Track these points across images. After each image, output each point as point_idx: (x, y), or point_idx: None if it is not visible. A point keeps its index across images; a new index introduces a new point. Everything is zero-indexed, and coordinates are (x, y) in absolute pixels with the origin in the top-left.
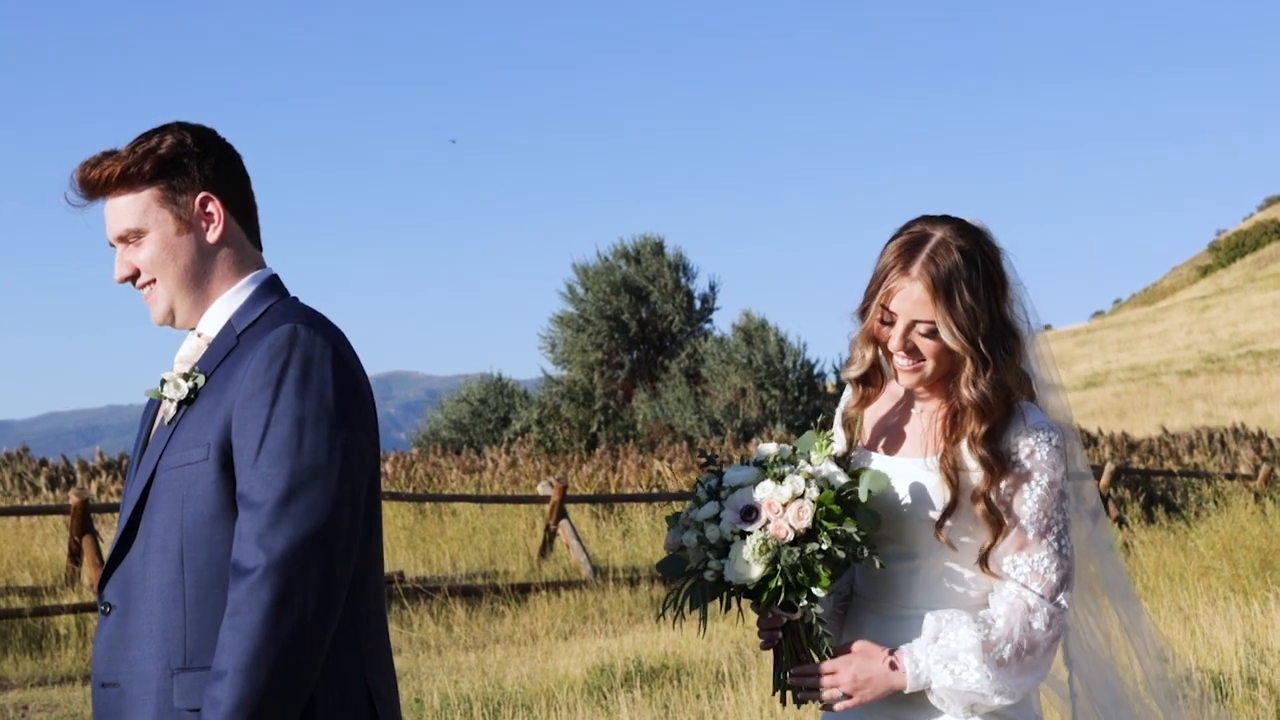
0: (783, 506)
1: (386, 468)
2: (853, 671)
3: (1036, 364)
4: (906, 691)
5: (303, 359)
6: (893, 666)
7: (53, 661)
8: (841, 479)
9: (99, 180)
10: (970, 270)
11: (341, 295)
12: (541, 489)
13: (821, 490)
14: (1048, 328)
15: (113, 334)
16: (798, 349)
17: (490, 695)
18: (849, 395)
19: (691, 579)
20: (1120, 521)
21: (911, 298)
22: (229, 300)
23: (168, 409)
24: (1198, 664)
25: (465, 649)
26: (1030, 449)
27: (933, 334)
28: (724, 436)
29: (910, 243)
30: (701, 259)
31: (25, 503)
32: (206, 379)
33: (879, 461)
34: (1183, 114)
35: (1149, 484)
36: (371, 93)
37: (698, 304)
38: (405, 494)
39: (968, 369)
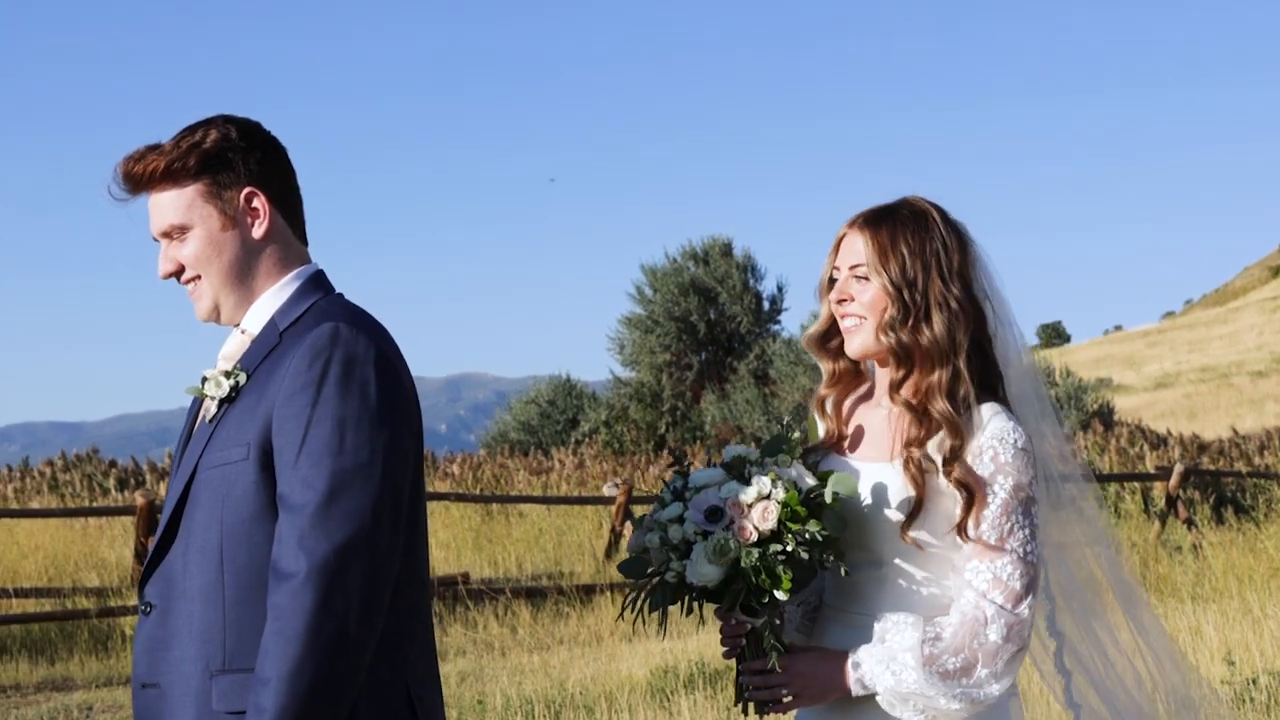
0: (747, 507)
1: (454, 469)
2: (800, 669)
3: (1023, 377)
4: (854, 694)
5: (344, 358)
6: (840, 668)
7: (118, 662)
8: (809, 481)
9: (143, 175)
10: (917, 225)
11: (413, 297)
12: (607, 490)
13: (787, 491)
14: (1118, 328)
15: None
16: None
17: (552, 697)
18: (823, 376)
19: (654, 580)
20: (1189, 523)
21: (854, 245)
22: (273, 297)
23: (209, 407)
24: (1266, 666)
25: (529, 650)
26: (994, 450)
27: (866, 277)
28: None
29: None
30: (770, 260)
31: (94, 504)
32: (248, 377)
33: (845, 463)
34: (1255, 114)
35: (1219, 485)
36: (445, 94)
37: (766, 305)
38: (472, 495)
39: (890, 312)
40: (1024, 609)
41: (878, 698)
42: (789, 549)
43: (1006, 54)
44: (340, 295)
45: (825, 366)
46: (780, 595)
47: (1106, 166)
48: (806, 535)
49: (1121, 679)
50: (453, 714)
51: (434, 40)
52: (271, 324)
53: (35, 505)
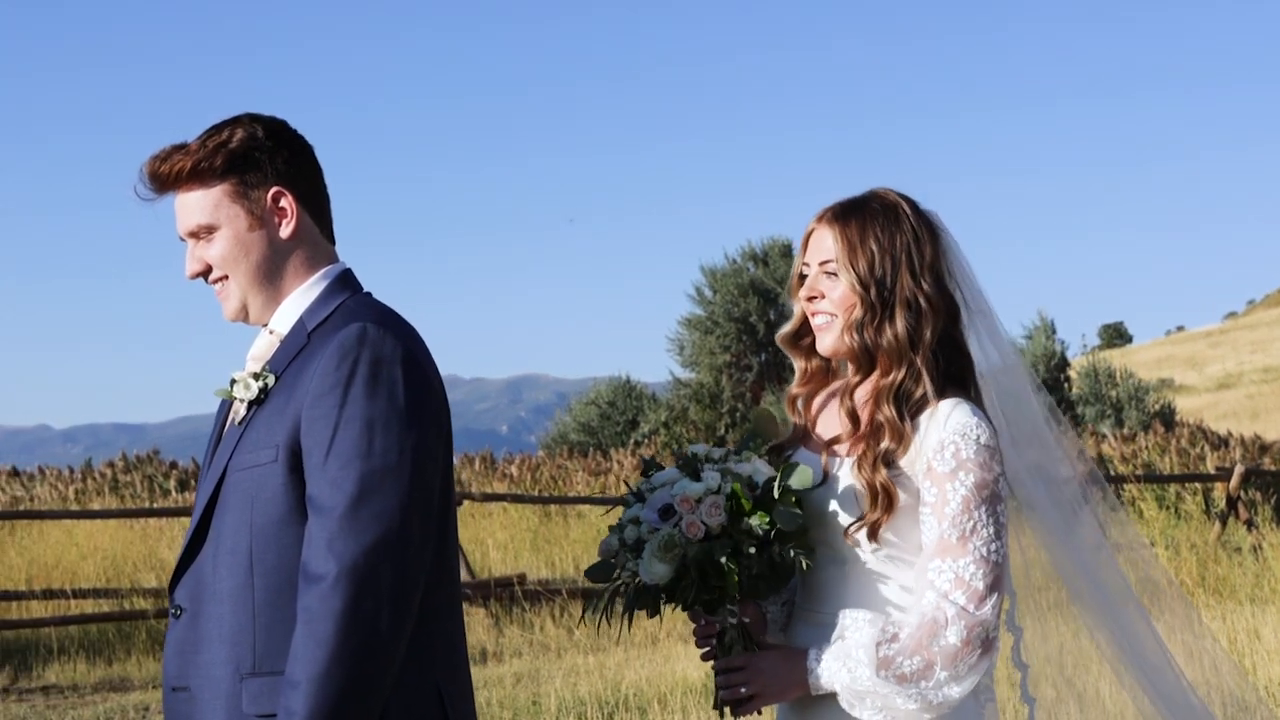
0: (695, 502)
1: (512, 470)
2: (760, 667)
3: (1011, 371)
4: (813, 692)
5: (372, 359)
6: (800, 665)
7: None
8: (766, 475)
9: (169, 174)
10: (887, 219)
11: (475, 299)
12: None
13: (734, 486)
14: (1180, 329)
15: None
16: None
17: (606, 698)
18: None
19: (617, 583)
20: (1250, 524)
21: (823, 241)
22: (301, 296)
23: (238, 409)
24: None
25: (585, 652)
26: (955, 446)
27: (836, 274)
28: None
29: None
30: None
31: (154, 505)
32: (277, 378)
33: (813, 460)
34: None
35: None
36: (504, 94)
37: None
38: (529, 496)
39: (857, 312)
40: (987, 610)
41: (838, 697)
42: (736, 544)
43: (1068, 54)
44: (368, 294)
45: (798, 364)
46: (732, 592)
47: (1170, 167)
48: (749, 528)
49: (1178, 682)
50: (507, 715)
51: (496, 38)
52: (300, 324)
53: (95, 506)
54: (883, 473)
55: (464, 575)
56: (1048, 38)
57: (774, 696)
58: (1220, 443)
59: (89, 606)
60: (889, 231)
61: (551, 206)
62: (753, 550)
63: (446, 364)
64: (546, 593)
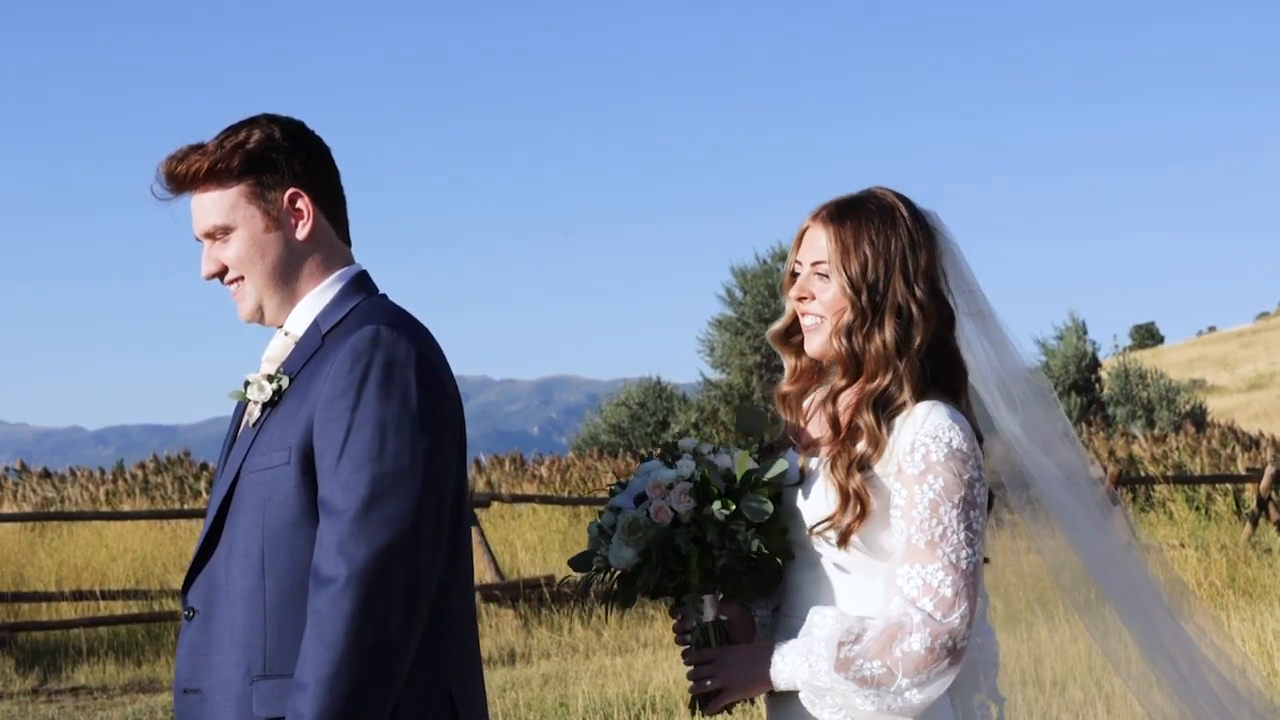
0: (666, 488)
1: (542, 471)
2: (727, 660)
3: (1011, 373)
4: (776, 687)
5: (385, 362)
6: (765, 660)
7: None
8: (725, 462)
9: (186, 175)
10: (883, 221)
11: (506, 300)
12: None
13: (704, 474)
14: (1212, 329)
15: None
16: None
17: (633, 700)
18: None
19: (593, 570)
20: None
21: (816, 240)
22: (316, 298)
23: (252, 411)
24: None
25: (613, 653)
26: (926, 449)
27: (827, 275)
28: None
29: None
30: None
31: (184, 506)
32: (291, 380)
33: (795, 458)
34: None
35: None
36: (542, 95)
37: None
38: (558, 498)
39: (847, 317)
40: (955, 618)
41: (800, 695)
42: (692, 527)
43: (1102, 53)
44: (383, 297)
45: (788, 362)
46: (694, 579)
47: (1201, 167)
48: (710, 514)
49: (1206, 684)
50: (535, 716)
51: (530, 39)
52: (314, 326)
53: (126, 508)
54: (857, 478)
55: (493, 576)
56: (1080, 36)
57: (739, 690)
58: (1251, 443)
59: (118, 608)
60: (884, 234)
61: (583, 208)
62: (717, 538)
63: (478, 365)
64: (576, 594)
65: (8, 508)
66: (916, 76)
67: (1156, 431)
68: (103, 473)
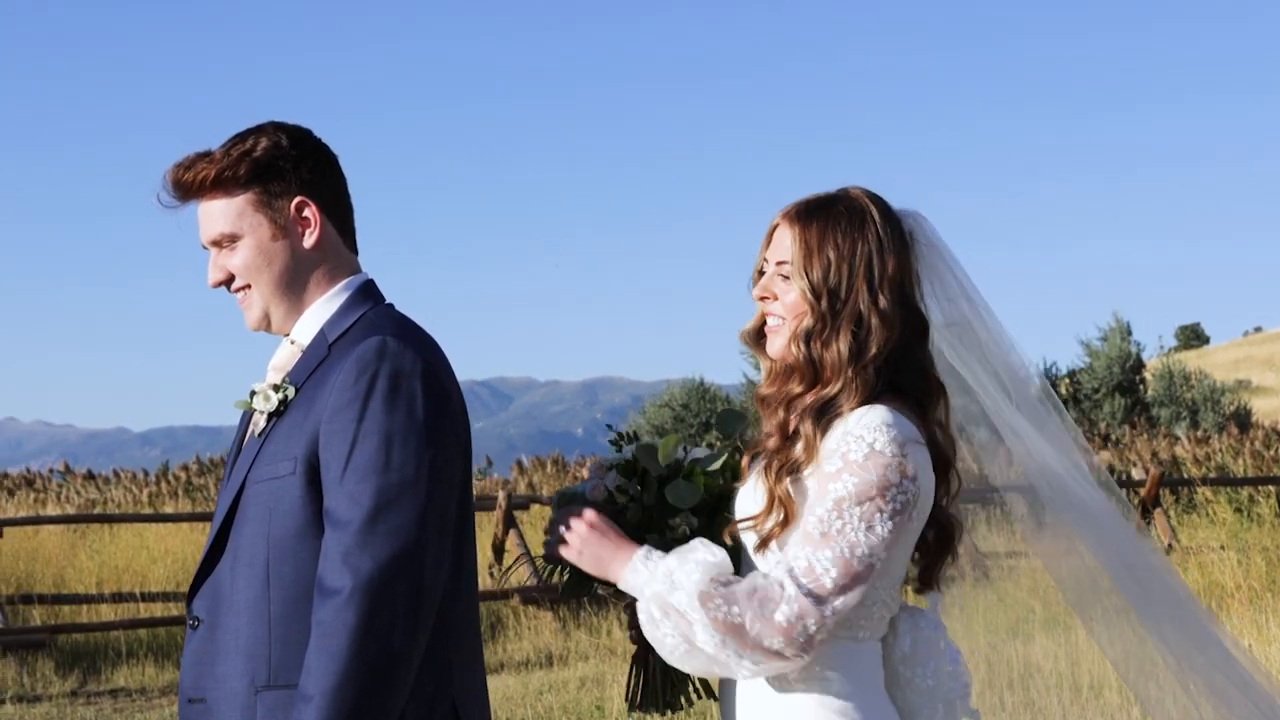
0: (607, 469)
1: (583, 473)
2: (591, 534)
3: (1004, 376)
4: (622, 584)
5: (391, 372)
6: (629, 552)
7: None
8: (698, 455)
9: (193, 183)
10: (851, 223)
11: (550, 302)
12: None
13: (634, 453)
14: (1258, 329)
15: None
16: None
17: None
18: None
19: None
20: None
21: (783, 240)
22: (322, 307)
23: (258, 421)
24: None
25: None
26: (846, 448)
27: (789, 277)
28: None
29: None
30: None
31: None
32: (297, 390)
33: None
34: None
35: None
36: (586, 96)
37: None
38: None
39: (806, 322)
40: (827, 609)
41: (639, 605)
42: (619, 505)
43: (1146, 54)
44: (390, 306)
45: (763, 363)
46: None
47: (1247, 166)
48: (622, 485)
49: (1227, 689)
50: (573, 718)
51: (567, 39)
52: (321, 335)
53: (169, 510)
54: (785, 483)
55: (532, 579)
56: (1131, 37)
57: (589, 565)
58: None
59: (158, 610)
60: (850, 238)
61: (625, 209)
62: (648, 520)
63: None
64: (615, 596)
65: (51, 509)
66: (962, 77)
67: (1200, 433)
68: (146, 474)
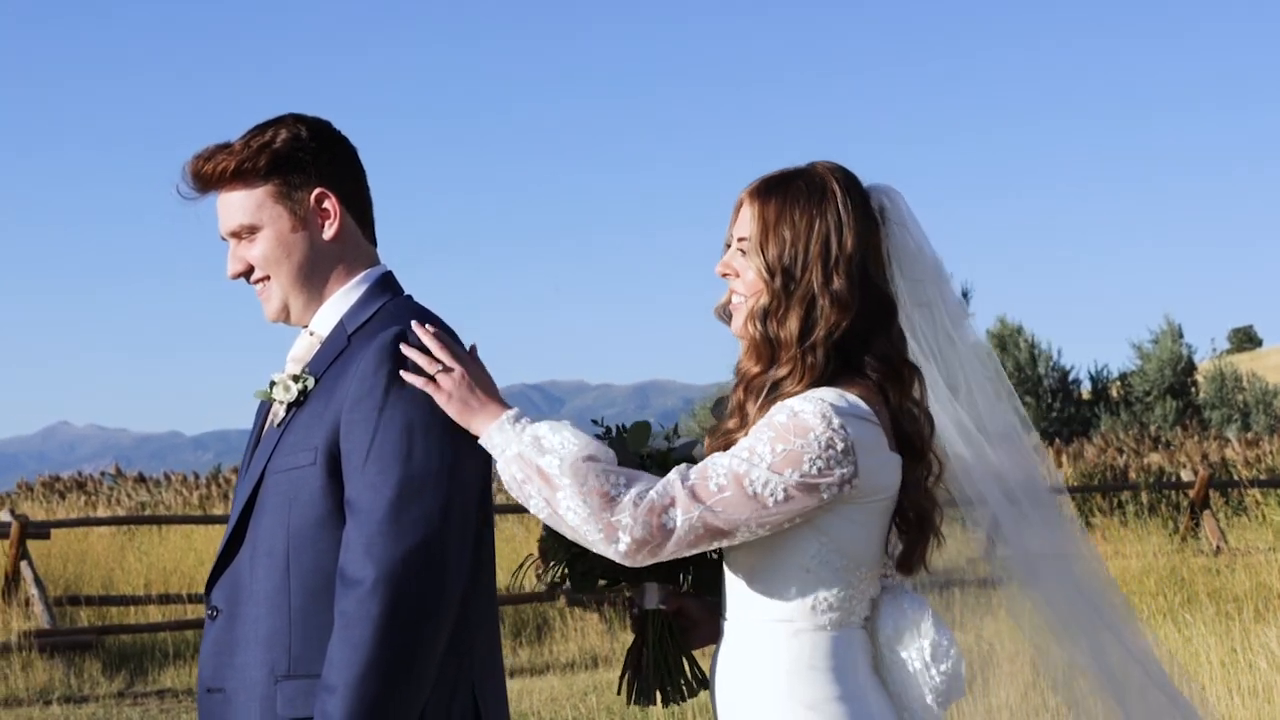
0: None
1: None
2: (466, 381)
3: (969, 367)
4: (483, 439)
5: (412, 363)
6: (498, 408)
7: None
8: (686, 443)
9: (212, 174)
10: (810, 200)
11: (602, 305)
12: None
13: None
14: None
15: None
16: (1050, 355)
17: (707, 703)
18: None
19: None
20: None
21: (744, 215)
22: (341, 299)
23: (277, 411)
24: None
25: (701, 654)
26: (771, 414)
27: (748, 254)
28: None
29: None
30: (955, 264)
31: None
32: (316, 381)
33: None
34: None
35: None
36: (625, 98)
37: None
38: None
39: (762, 300)
40: (696, 511)
41: (499, 464)
42: None
43: (1196, 57)
44: (409, 298)
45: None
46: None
47: None
48: None
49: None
50: (616, 719)
51: (610, 40)
52: (340, 326)
53: (219, 512)
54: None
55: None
56: (1193, 41)
57: (454, 411)
58: None
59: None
60: (808, 215)
61: (672, 212)
62: None
63: (574, 370)
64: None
65: (102, 512)
66: (1013, 79)
67: (1251, 435)
68: (197, 477)
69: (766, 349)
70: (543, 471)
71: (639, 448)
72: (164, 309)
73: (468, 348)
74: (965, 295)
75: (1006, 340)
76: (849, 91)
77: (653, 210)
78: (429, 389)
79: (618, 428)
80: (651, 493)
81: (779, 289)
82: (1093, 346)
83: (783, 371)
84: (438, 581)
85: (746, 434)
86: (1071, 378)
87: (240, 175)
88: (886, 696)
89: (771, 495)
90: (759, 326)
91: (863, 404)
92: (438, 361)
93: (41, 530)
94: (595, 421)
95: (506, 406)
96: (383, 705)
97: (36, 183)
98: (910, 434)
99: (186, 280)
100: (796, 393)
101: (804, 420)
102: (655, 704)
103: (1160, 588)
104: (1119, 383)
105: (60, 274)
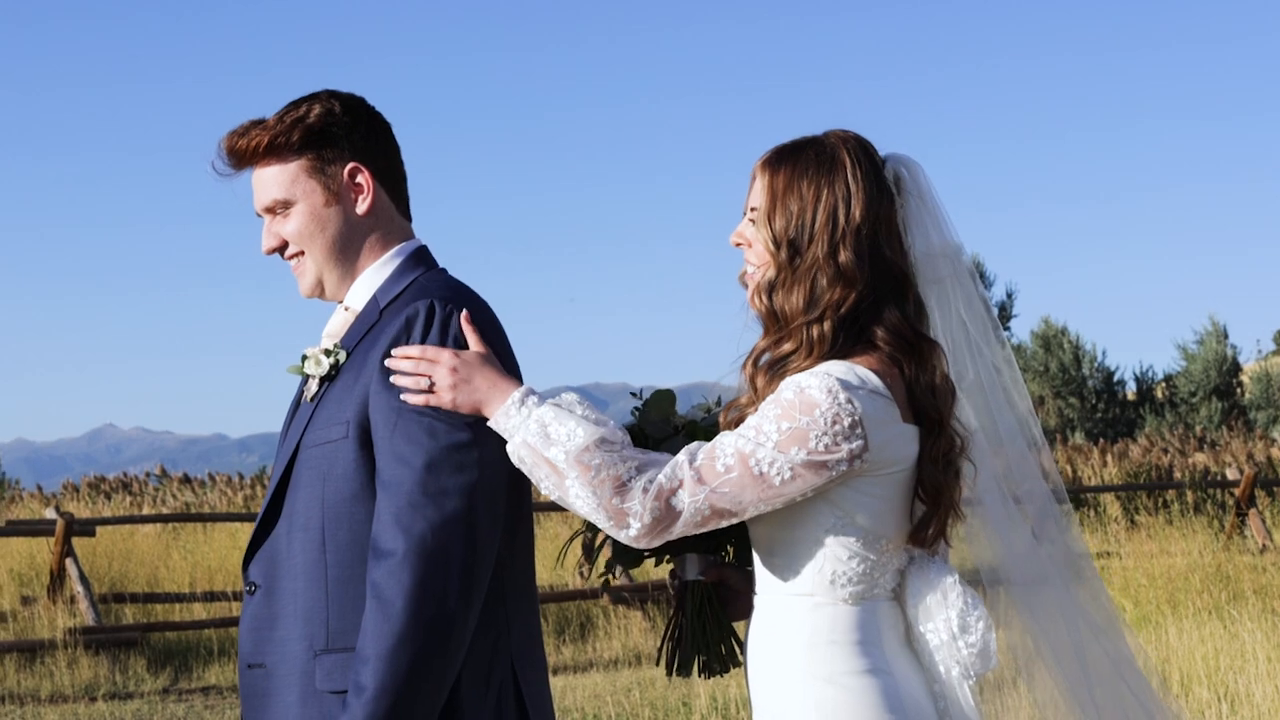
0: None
1: None
2: (467, 364)
3: (972, 353)
4: (494, 424)
5: (439, 335)
6: (505, 391)
7: None
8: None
9: (246, 150)
10: (820, 171)
11: (645, 307)
12: None
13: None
14: None
15: None
16: (1095, 355)
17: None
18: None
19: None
20: None
21: (757, 187)
22: (375, 273)
23: (311, 385)
24: None
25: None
26: (779, 392)
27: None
28: None
29: None
30: (999, 266)
31: None
32: (348, 355)
33: None
34: None
35: None
36: (678, 99)
37: (995, 311)
38: None
39: (770, 273)
40: (703, 492)
41: (510, 446)
42: None
43: (1246, 60)
44: (442, 271)
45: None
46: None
47: None
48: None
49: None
50: (658, 715)
51: (674, 41)
52: (373, 301)
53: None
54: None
55: (623, 579)
56: (1234, 42)
57: (461, 402)
58: None
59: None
60: (816, 186)
61: (721, 214)
62: None
63: (617, 373)
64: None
65: (147, 513)
66: (1069, 82)
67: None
68: (242, 478)
69: (773, 322)
70: (550, 462)
71: (665, 415)
72: (210, 313)
73: (469, 319)
74: (1010, 296)
75: (1051, 341)
76: (895, 91)
77: (701, 213)
78: (431, 402)
79: (646, 406)
80: (660, 477)
81: (785, 261)
82: (1138, 348)
83: (789, 346)
84: (469, 552)
85: (756, 409)
86: (1116, 379)
87: (274, 150)
88: (918, 669)
89: (778, 474)
90: (765, 300)
91: (874, 377)
92: (423, 373)
93: (87, 528)
94: (633, 394)
95: (512, 384)
96: (416, 675)
97: (85, 187)
98: (926, 407)
99: (233, 284)
100: (805, 367)
101: (810, 396)
102: (692, 675)
103: (1205, 585)
104: (1164, 384)
105: (108, 278)
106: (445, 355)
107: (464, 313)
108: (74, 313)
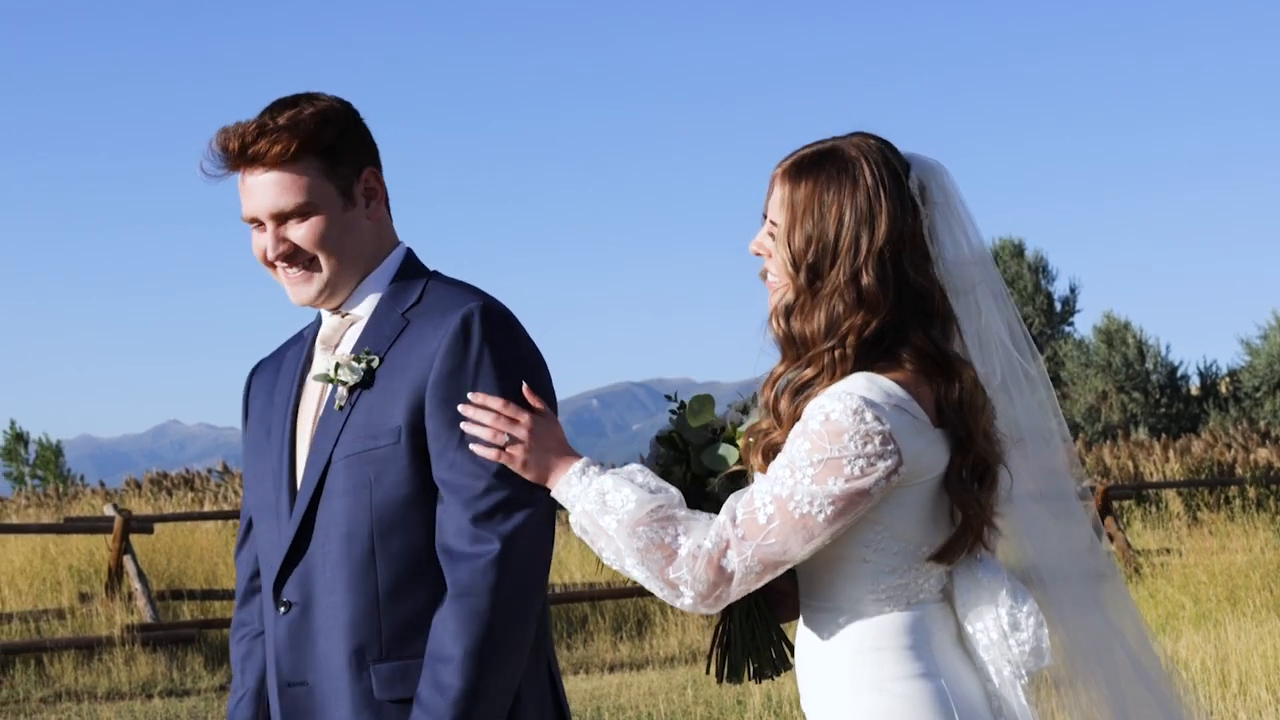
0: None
1: None
2: (542, 430)
3: (1003, 365)
4: (555, 493)
5: (495, 340)
6: (567, 462)
7: None
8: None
9: (254, 153)
10: (841, 184)
11: (707, 304)
12: None
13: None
14: None
15: None
16: (1158, 351)
17: None
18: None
19: None
20: None
21: (775, 196)
22: (377, 278)
23: (341, 393)
24: None
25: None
26: (806, 419)
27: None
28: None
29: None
30: (1062, 261)
31: None
32: (380, 360)
33: None
34: None
35: None
36: (737, 99)
37: (1058, 306)
38: None
39: (788, 296)
40: (749, 548)
41: (571, 516)
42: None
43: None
44: (437, 273)
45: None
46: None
47: None
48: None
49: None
50: (713, 712)
51: (729, 39)
52: (385, 306)
53: None
54: (760, 463)
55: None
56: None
57: (531, 466)
58: None
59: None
60: (838, 205)
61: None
62: (692, 487)
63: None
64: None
65: (209, 508)
66: (1124, 85)
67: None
68: None
69: (790, 347)
70: (605, 532)
71: (704, 421)
72: (274, 309)
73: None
74: (1073, 291)
75: (1114, 336)
76: (955, 85)
77: (746, 207)
78: (501, 460)
79: (682, 402)
80: (706, 542)
81: (804, 285)
82: (1201, 343)
83: (811, 372)
84: (540, 554)
85: (782, 434)
86: (1180, 374)
87: (283, 154)
88: (973, 670)
89: (820, 512)
90: (783, 324)
91: (898, 388)
92: (502, 430)
93: (144, 525)
94: (669, 398)
95: (574, 456)
96: (495, 675)
97: (149, 185)
98: (955, 424)
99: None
100: (825, 388)
101: (837, 423)
102: (743, 681)
103: (1266, 582)
104: (1228, 379)
105: (174, 276)
106: (525, 418)
107: (525, 386)
108: (139, 310)
